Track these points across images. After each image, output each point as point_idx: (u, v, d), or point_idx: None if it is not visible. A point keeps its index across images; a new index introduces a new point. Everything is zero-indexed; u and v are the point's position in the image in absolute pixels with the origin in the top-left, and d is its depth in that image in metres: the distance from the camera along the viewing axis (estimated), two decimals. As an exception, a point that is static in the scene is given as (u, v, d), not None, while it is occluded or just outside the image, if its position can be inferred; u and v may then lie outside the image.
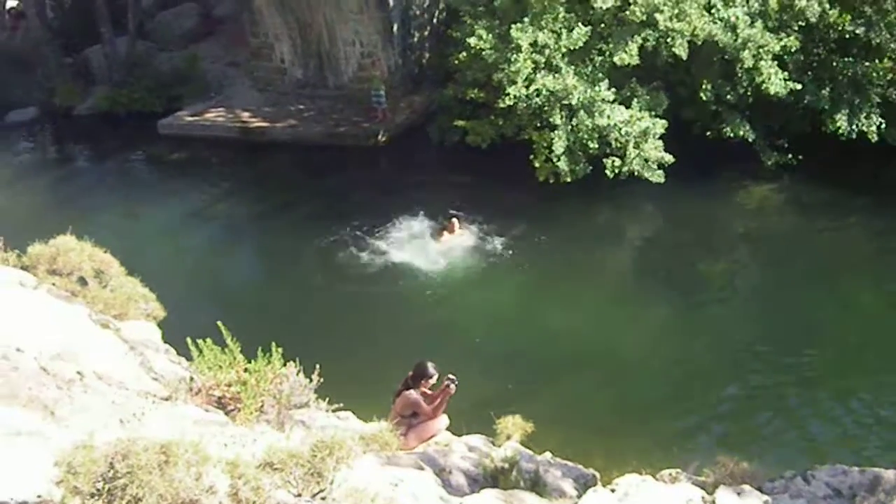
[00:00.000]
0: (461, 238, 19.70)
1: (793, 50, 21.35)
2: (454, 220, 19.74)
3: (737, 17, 20.83)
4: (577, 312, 17.25)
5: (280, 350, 8.59)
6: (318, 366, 9.07)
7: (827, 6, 21.38)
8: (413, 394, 10.67)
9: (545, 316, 16.96)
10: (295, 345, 9.51)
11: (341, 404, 9.70)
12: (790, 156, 22.28)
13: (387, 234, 20.35)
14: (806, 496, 7.65)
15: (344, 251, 19.78)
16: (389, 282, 18.63)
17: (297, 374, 8.92)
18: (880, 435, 13.49)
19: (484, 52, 19.93)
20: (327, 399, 9.51)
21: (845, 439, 13.45)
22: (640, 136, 19.84)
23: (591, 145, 19.93)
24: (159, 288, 11.98)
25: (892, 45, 21.79)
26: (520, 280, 18.37)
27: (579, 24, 20.05)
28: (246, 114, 26.80)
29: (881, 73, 21.82)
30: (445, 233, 19.65)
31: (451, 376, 10.77)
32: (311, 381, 9.05)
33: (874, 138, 21.90)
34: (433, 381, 10.84)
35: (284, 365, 8.70)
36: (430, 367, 10.83)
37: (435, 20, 26.23)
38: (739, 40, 20.71)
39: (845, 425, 13.84)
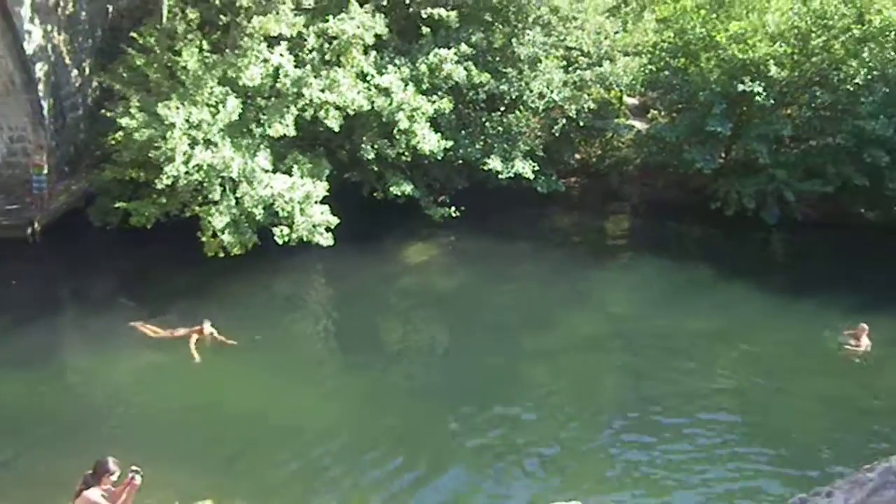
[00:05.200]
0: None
1: (446, 111, 24.10)
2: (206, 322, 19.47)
3: (390, 83, 23.18)
4: (258, 389, 18.07)
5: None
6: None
7: (473, 69, 24.33)
8: (93, 493, 10.54)
9: (228, 397, 17.61)
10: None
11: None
12: (453, 209, 25.50)
13: (50, 328, 20.47)
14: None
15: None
16: (61, 378, 18.55)
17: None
18: (558, 474, 15.48)
19: (138, 132, 20.74)
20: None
21: (523, 483, 15.16)
22: (304, 200, 21.63)
23: (258, 216, 21.40)
24: None
25: (530, 100, 25.23)
26: (197, 364, 18.69)
27: (231, 96, 21.54)
28: None
29: (524, 123, 25.22)
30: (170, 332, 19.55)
31: (134, 468, 10.96)
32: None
33: (530, 176, 25.81)
34: (115, 476, 10.82)
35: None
36: (111, 462, 10.80)
37: (89, 99, 26.85)
38: (394, 104, 23.08)
39: (523, 468, 15.61)
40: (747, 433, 16.84)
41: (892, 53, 26.92)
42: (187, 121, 20.83)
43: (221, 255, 21.62)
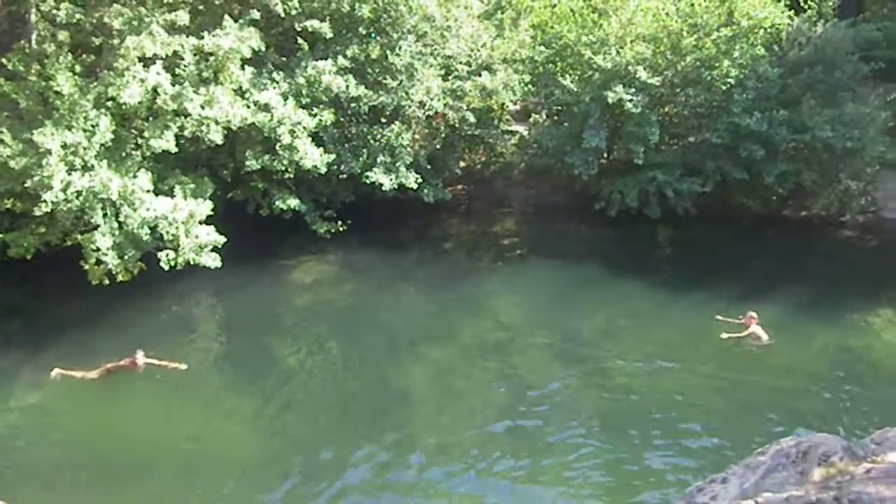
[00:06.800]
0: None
1: (328, 124, 24.64)
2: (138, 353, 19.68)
3: (269, 99, 23.54)
4: (153, 417, 18.30)
5: None
6: None
7: (351, 81, 24.84)
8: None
9: (124, 426, 17.80)
10: None
11: None
12: (339, 223, 26.13)
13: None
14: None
15: None
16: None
17: None
18: (462, 481, 15.96)
19: (13, 160, 20.57)
20: None
21: (427, 493, 15.65)
22: (188, 220, 21.86)
23: (144, 237, 21.56)
24: None
25: (410, 109, 25.83)
26: (88, 395, 18.89)
27: (104, 116, 21.59)
28: None
29: (406, 133, 25.86)
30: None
31: None
32: None
33: (413, 186, 26.64)
34: None
35: None
36: None
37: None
38: (275, 120, 23.40)
39: (429, 481, 16.05)
40: (645, 426, 17.74)
41: (762, 50, 28.47)
42: (63, 146, 20.71)
43: (107, 282, 21.71)
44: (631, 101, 26.97)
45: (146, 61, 22.60)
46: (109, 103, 22.01)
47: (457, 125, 27.97)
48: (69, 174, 20.81)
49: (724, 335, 21.09)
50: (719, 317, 21.56)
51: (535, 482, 15.91)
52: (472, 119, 28.02)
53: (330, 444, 17.23)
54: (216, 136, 22.92)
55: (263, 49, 24.86)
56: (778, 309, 22.32)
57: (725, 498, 7.82)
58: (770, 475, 7.96)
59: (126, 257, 21.43)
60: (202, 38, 23.59)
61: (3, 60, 22.41)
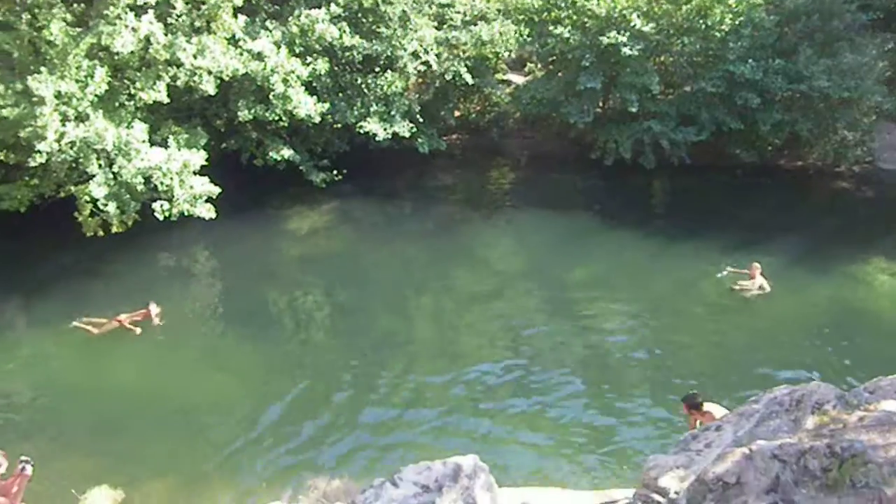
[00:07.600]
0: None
1: (321, 73, 24.52)
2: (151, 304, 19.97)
3: (263, 48, 23.45)
4: (149, 367, 18.49)
5: None
6: None
7: (345, 30, 24.72)
8: (-17, 487, 10.70)
9: (119, 377, 17.99)
10: None
11: None
12: (335, 173, 26.06)
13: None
14: (397, 499, 8.32)
15: None
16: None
17: None
18: (456, 427, 16.15)
19: (5, 110, 20.46)
20: None
21: (421, 439, 15.72)
22: (182, 171, 21.94)
23: (139, 187, 21.63)
24: None
25: (405, 59, 25.74)
26: (83, 346, 19.03)
27: (98, 66, 21.49)
28: None
29: (401, 83, 25.80)
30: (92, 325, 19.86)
31: (24, 458, 11.21)
32: None
33: (407, 135, 26.73)
34: (2, 469, 11.14)
35: None
36: None
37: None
38: (268, 69, 23.32)
39: (423, 428, 16.18)
40: (639, 374, 18.09)
41: (758, -2, 28.42)
42: (57, 95, 20.63)
43: (101, 233, 21.87)
44: (626, 45, 26.89)
45: (138, 10, 22.46)
46: (102, 54, 21.95)
47: (451, 76, 27.84)
48: (63, 124, 20.78)
49: (728, 271, 21.54)
50: (730, 268, 21.74)
51: (523, 426, 16.07)
52: (464, 71, 27.95)
53: (324, 391, 17.41)
54: (209, 87, 22.89)
55: (256, -1, 24.84)
56: (773, 259, 22.49)
57: (719, 445, 7.95)
58: (764, 423, 8.07)
59: (123, 211, 21.51)
60: (194, -15, 23.48)
61: (-4, 10, 22.26)
